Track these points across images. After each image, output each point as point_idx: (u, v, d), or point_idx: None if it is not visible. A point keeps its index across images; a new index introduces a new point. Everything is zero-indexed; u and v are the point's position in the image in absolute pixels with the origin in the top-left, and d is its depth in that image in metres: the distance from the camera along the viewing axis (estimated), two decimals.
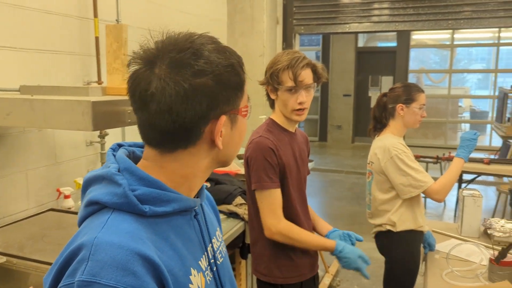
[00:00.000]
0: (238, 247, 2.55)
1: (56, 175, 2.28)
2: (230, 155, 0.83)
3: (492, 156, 5.67)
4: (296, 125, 1.83)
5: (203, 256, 0.82)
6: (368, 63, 10.44)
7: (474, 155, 6.72)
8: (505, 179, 5.20)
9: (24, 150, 2.11)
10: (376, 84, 10.28)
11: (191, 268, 0.76)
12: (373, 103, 2.82)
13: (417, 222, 2.12)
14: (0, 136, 1.99)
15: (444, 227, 2.56)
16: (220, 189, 2.53)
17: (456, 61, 10.70)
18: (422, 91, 2.18)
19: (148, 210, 0.71)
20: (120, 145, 0.84)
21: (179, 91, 0.70)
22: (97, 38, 2.43)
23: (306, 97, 1.66)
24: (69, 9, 2.33)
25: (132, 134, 2.70)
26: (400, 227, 2.11)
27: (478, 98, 11.37)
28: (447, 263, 1.97)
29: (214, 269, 0.85)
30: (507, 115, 6.51)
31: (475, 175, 4.61)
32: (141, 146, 0.85)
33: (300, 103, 1.65)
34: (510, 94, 6.36)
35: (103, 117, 1.39)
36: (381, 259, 2.29)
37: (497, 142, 8.18)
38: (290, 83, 1.63)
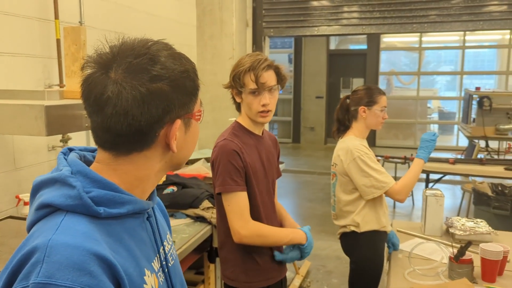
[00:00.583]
0: (206, 251, 2.54)
1: (16, 181, 2.22)
2: (184, 158, 0.86)
3: (459, 156, 5.84)
4: (264, 127, 1.83)
5: (156, 257, 0.84)
6: (340, 66, 10.58)
7: (441, 154, 6.90)
8: (470, 178, 5.35)
9: None
10: (348, 86, 10.42)
11: (145, 269, 0.77)
12: None
13: (380, 223, 2.16)
14: None
15: (409, 226, 2.61)
16: (187, 193, 2.51)
17: (426, 63, 10.95)
18: (384, 94, 2.22)
19: (102, 211, 0.72)
20: (71, 149, 0.84)
21: (136, 95, 0.72)
22: (58, 41, 2.38)
23: (270, 99, 1.66)
24: (28, 11, 2.28)
25: None
26: (363, 228, 2.15)
27: (446, 99, 11.66)
28: (409, 262, 2.01)
29: (166, 270, 0.86)
30: (472, 116, 6.70)
31: (441, 175, 4.72)
32: (92, 151, 0.85)
33: (263, 105, 1.66)
34: (474, 96, 6.55)
35: (58, 121, 1.36)
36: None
37: (464, 142, 8.41)
38: (252, 85, 1.64)
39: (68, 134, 2.36)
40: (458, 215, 5.00)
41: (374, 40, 10.17)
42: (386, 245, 2.27)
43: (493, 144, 6.79)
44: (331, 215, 2.36)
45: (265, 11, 4.35)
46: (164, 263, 0.86)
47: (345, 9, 4.23)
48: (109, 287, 0.66)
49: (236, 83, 1.66)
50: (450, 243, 2.15)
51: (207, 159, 3.24)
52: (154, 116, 0.74)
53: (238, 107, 1.76)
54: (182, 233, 2.30)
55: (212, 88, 3.20)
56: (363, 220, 2.14)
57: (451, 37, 10.44)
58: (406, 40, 10.83)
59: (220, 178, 1.63)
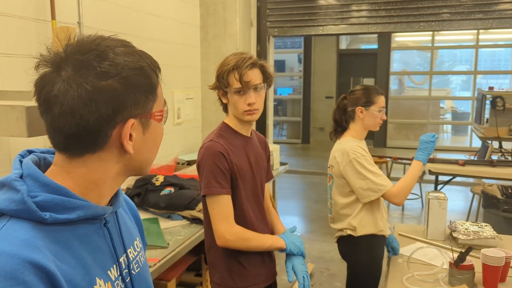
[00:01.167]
0: (203, 253, 2.51)
1: None
2: (145, 162, 0.81)
3: (471, 157, 5.71)
4: (252, 128, 1.79)
5: (114, 265, 0.80)
6: (350, 65, 10.48)
7: (454, 156, 6.77)
8: (487, 181, 5.23)
9: None
10: None
11: (97, 278, 0.74)
12: None
13: (378, 226, 2.10)
14: None
15: (412, 230, 2.54)
16: (184, 194, 2.48)
17: (439, 62, 10.79)
18: (382, 94, 2.16)
19: (48, 217, 0.69)
20: (30, 151, 0.81)
21: (81, 93, 0.69)
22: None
23: (256, 98, 1.62)
24: (25, 11, 2.27)
25: None
26: (360, 232, 2.09)
27: (459, 99, 11.48)
28: (408, 268, 1.95)
29: (128, 279, 0.83)
30: (486, 116, 6.56)
31: (450, 177, 4.62)
32: (54, 153, 0.82)
33: (249, 104, 1.61)
34: (488, 96, 6.41)
35: (40, 122, 1.33)
36: None
37: (477, 143, 8.24)
38: (237, 85, 1.60)
39: None
40: (468, 218, 4.90)
41: (385, 40, 10.06)
42: (386, 249, 2.21)
43: (507, 145, 6.63)
44: None
45: (270, 10, 4.30)
46: (126, 271, 0.82)
47: (352, 7, 4.16)
48: None
49: (221, 83, 1.63)
50: (450, 248, 2.08)
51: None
52: (103, 115, 0.70)
53: (225, 108, 1.72)
54: (177, 235, 2.27)
55: None
56: (360, 224, 2.09)
57: (465, 36, 10.26)
58: (419, 39, 10.67)
59: (205, 180, 1.59)
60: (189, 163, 3.56)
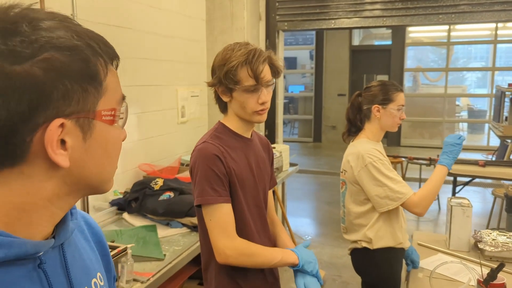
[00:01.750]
0: None
1: None
2: (95, 178, 0.61)
3: (489, 157, 5.45)
4: (253, 129, 1.58)
5: None
6: (363, 62, 10.23)
7: (471, 155, 6.49)
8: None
9: None
10: None
11: None
12: None
13: (396, 239, 1.89)
14: None
15: (432, 239, 2.33)
16: (184, 200, 2.30)
17: (454, 59, 10.49)
18: (401, 90, 1.94)
19: None
20: None
21: None
22: None
23: (267, 96, 1.42)
24: (9, 1, 2.10)
25: None
26: (377, 244, 1.87)
27: (475, 96, 11.15)
28: (430, 284, 1.74)
29: None
30: (505, 114, 6.29)
31: (470, 178, 4.37)
32: None
33: (262, 103, 1.41)
34: (507, 93, 6.13)
35: None
36: None
37: (495, 142, 7.95)
38: (250, 81, 1.39)
39: None
40: (488, 223, 4.64)
41: (399, 35, 9.78)
42: (404, 262, 2.00)
43: None
44: None
45: (279, 3, 4.09)
46: None
47: (364, 0, 3.92)
48: None
49: (228, 80, 1.40)
50: (479, 262, 1.87)
51: None
52: (13, 114, 0.51)
53: (224, 107, 1.51)
54: (175, 245, 2.09)
55: None
56: (377, 236, 1.87)
57: (482, 31, 9.92)
58: (434, 35, 10.36)
59: (199, 188, 1.38)
60: None
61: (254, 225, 1.49)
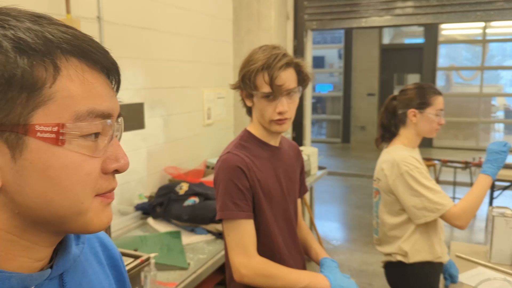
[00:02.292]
0: None
1: None
2: (45, 210, 0.49)
3: None
4: (281, 136, 1.49)
5: None
6: (394, 61, 9.96)
7: (509, 158, 6.19)
8: None
9: None
10: (402, 83, 9.80)
11: None
12: None
13: (435, 252, 1.76)
14: None
15: (471, 250, 2.18)
16: (209, 206, 2.23)
17: (490, 57, 10.07)
18: (439, 94, 1.81)
19: None
20: None
21: None
22: None
23: (288, 105, 1.32)
24: (37, 5, 2.08)
25: None
26: (413, 258, 1.75)
27: None
28: None
29: None
30: None
31: (509, 183, 4.15)
32: None
33: (280, 113, 1.32)
34: None
35: None
36: None
37: None
38: (266, 89, 1.30)
39: None
40: None
41: (431, 33, 9.47)
42: (442, 276, 1.87)
43: None
44: None
45: (307, 2, 3.98)
46: None
47: None
48: None
49: (246, 85, 1.33)
50: None
51: None
52: None
53: (249, 111, 1.43)
54: (200, 253, 2.02)
55: None
56: (413, 249, 1.75)
57: None
58: (468, 32, 9.99)
59: (220, 201, 1.31)
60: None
61: (283, 240, 1.40)
